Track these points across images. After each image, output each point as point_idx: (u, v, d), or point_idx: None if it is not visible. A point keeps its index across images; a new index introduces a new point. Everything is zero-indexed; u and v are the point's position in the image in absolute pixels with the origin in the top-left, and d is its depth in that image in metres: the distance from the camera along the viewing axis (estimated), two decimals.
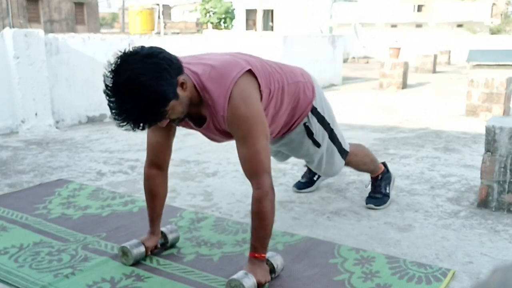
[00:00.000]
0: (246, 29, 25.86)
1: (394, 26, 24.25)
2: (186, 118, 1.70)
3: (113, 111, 1.50)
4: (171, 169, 3.30)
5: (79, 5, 29.83)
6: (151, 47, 1.56)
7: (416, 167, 3.25)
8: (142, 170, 2.05)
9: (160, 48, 1.58)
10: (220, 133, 1.77)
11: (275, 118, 1.92)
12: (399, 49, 10.12)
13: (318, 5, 25.30)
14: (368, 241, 2.12)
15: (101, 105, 4.92)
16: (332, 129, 2.19)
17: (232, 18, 26.03)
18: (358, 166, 2.47)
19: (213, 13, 25.43)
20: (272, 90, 1.82)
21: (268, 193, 1.67)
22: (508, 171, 2.38)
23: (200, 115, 1.73)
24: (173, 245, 2.05)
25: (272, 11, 27.37)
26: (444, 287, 1.72)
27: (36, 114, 4.50)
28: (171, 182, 2.96)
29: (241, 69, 1.67)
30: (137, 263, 1.89)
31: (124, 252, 1.88)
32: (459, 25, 23.51)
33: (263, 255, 1.71)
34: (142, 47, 1.55)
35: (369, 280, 1.77)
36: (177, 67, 1.57)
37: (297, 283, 1.75)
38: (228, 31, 20.73)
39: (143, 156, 3.06)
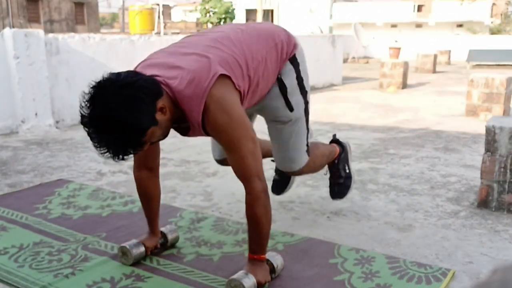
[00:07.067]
0: None
1: (394, 26, 24.23)
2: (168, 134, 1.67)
3: (92, 141, 1.49)
4: (171, 169, 3.33)
5: (79, 5, 29.81)
6: (127, 75, 1.51)
7: (416, 167, 3.25)
8: None
9: (136, 74, 1.53)
10: (207, 135, 1.72)
11: (264, 87, 1.83)
12: (399, 49, 10.14)
13: (318, 5, 25.29)
14: (368, 241, 2.12)
15: None
16: (307, 102, 2.01)
17: (232, 18, 26.01)
18: (316, 170, 2.30)
19: (213, 13, 25.40)
20: (252, 74, 1.73)
21: (260, 197, 1.64)
22: (508, 171, 2.38)
23: (184, 124, 1.69)
24: (173, 245, 2.05)
25: (272, 11, 27.34)
26: (444, 287, 1.73)
27: (36, 114, 4.50)
28: (171, 182, 2.97)
29: (212, 75, 1.58)
30: (137, 263, 1.89)
31: (124, 252, 1.88)
32: (459, 25, 23.49)
33: (262, 256, 1.71)
34: (118, 75, 1.50)
35: (369, 280, 1.77)
36: (154, 92, 1.51)
37: (297, 283, 1.75)
38: None
39: None
